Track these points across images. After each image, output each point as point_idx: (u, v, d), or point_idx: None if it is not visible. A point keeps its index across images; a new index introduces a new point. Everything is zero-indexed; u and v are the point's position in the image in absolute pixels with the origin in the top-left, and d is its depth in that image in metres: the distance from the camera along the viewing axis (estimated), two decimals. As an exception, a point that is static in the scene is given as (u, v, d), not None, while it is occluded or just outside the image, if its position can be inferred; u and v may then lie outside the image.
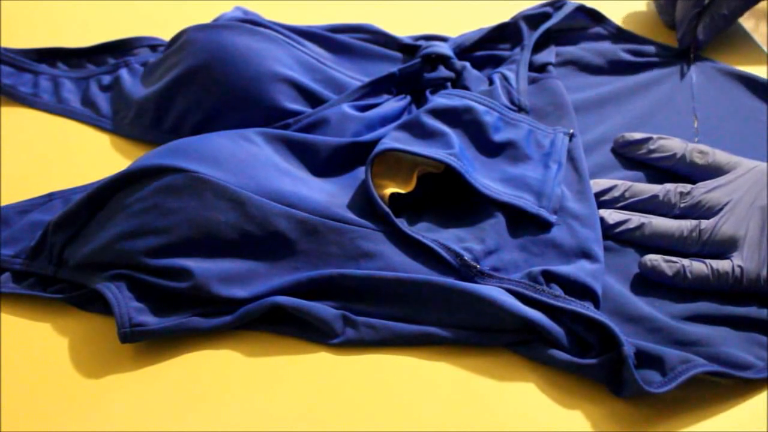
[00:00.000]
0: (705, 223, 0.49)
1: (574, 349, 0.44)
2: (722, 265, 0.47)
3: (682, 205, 0.51)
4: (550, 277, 0.46)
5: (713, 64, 0.67)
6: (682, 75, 0.66)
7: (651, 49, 0.68)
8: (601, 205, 0.52)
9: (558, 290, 0.45)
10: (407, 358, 0.45)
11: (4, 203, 0.55)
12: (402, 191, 0.50)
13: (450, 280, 0.46)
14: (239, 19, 0.63)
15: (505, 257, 0.48)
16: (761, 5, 0.78)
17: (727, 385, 0.43)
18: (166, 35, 0.67)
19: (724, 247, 0.48)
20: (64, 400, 0.44)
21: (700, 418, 0.42)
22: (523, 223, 0.50)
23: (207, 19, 0.65)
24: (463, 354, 0.45)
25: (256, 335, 0.46)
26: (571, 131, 0.56)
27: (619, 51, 0.68)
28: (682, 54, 0.68)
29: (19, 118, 0.64)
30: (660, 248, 0.50)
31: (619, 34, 0.70)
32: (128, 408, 0.43)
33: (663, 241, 0.50)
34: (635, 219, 0.51)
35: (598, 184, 0.53)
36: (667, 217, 0.51)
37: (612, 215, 0.51)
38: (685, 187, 0.52)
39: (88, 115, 0.64)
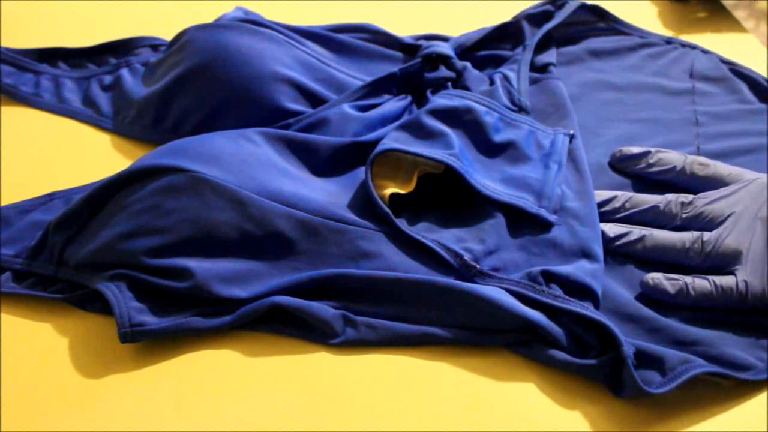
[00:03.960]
0: (707, 235, 0.48)
1: (573, 349, 0.44)
2: (726, 280, 0.46)
3: (683, 216, 0.50)
4: (549, 277, 0.46)
5: (717, 58, 0.67)
6: (688, 62, 0.66)
7: (656, 39, 0.68)
8: (601, 216, 0.51)
9: (558, 290, 0.45)
10: (407, 358, 0.45)
11: (4, 203, 0.55)
12: (402, 191, 0.50)
13: (450, 280, 0.46)
14: (240, 19, 0.63)
15: (505, 257, 0.48)
16: (761, 5, 0.78)
17: (727, 385, 0.43)
18: (168, 35, 0.67)
19: (726, 260, 0.47)
20: (64, 400, 0.44)
21: (700, 418, 0.42)
22: (523, 224, 0.50)
23: (208, 19, 0.65)
24: (463, 354, 0.45)
25: (256, 335, 0.46)
26: (572, 132, 0.56)
27: (624, 44, 0.68)
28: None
29: (20, 117, 0.64)
30: (661, 261, 0.49)
31: (623, 28, 0.70)
32: (128, 408, 0.43)
33: (664, 254, 0.49)
34: (636, 231, 0.50)
35: (599, 194, 0.52)
36: (667, 228, 0.50)
37: (612, 228, 0.50)
38: (687, 198, 0.51)
39: (89, 114, 0.64)
